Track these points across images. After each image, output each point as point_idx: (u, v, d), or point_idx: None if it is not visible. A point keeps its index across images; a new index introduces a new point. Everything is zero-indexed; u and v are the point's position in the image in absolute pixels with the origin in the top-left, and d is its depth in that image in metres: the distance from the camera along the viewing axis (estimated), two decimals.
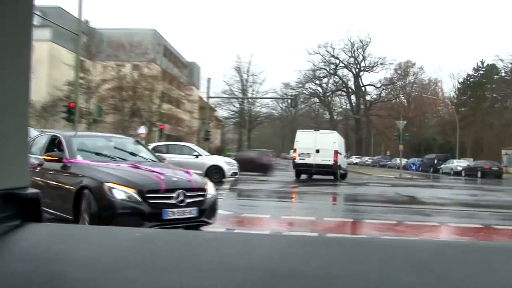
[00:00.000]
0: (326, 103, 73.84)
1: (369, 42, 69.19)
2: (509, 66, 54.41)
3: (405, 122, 32.40)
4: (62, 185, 6.59)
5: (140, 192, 5.90)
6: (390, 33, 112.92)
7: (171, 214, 6.04)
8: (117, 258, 0.79)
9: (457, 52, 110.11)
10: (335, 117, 74.83)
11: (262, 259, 0.78)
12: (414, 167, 44.48)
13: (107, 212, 5.83)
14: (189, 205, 6.20)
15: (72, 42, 42.53)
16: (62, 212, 6.46)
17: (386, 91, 71.38)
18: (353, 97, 73.15)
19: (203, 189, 6.52)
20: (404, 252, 0.81)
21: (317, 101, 74.89)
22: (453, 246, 0.86)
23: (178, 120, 51.87)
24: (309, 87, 72.90)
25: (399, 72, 68.37)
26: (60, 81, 39.66)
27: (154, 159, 7.65)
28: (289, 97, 49.98)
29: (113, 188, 5.89)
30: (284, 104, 70.38)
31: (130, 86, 42.11)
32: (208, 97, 38.41)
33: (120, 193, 5.88)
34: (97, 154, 7.16)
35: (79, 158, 6.80)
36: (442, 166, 40.02)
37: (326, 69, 71.28)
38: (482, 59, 59.84)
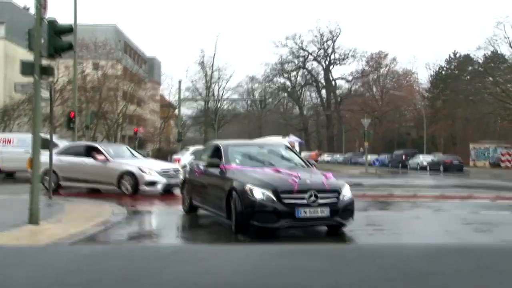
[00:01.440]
0: (295, 97, 79.92)
1: (339, 33, 76.82)
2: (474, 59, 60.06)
3: (369, 120, 39.93)
4: (218, 187, 8.61)
5: (275, 193, 7.37)
6: (361, 22, 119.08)
7: (304, 213, 7.32)
8: (56, 280, 0.78)
9: (433, 40, 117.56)
10: (305, 112, 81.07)
11: (231, 274, 0.81)
12: (377, 163, 51.77)
13: (248, 210, 7.43)
14: (321, 205, 7.43)
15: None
16: (218, 210, 8.58)
17: (358, 85, 77.66)
18: (323, 92, 79.46)
19: (337, 191, 7.77)
20: (393, 259, 0.86)
21: (286, 95, 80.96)
22: (446, 251, 0.94)
23: (140, 120, 56.20)
24: (277, 81, 78.95)
25: (371, 64, 74.52)
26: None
27: (300, 164, 9.41)
28: (258, 98, 56.43)
29: (253, 189, 7.49)
30: (249, 100, 76.31)
31: (94, 86, 46.86)
32: (180, 99, 43.85)
33: (258, 194, 7.43)
34: (248, 160, 9.13)
35: (233, 165, 8.72)
36: (410, 161, 47.31)
37: (294, 62, 77.39)
38: (455, 51, 65.99)
